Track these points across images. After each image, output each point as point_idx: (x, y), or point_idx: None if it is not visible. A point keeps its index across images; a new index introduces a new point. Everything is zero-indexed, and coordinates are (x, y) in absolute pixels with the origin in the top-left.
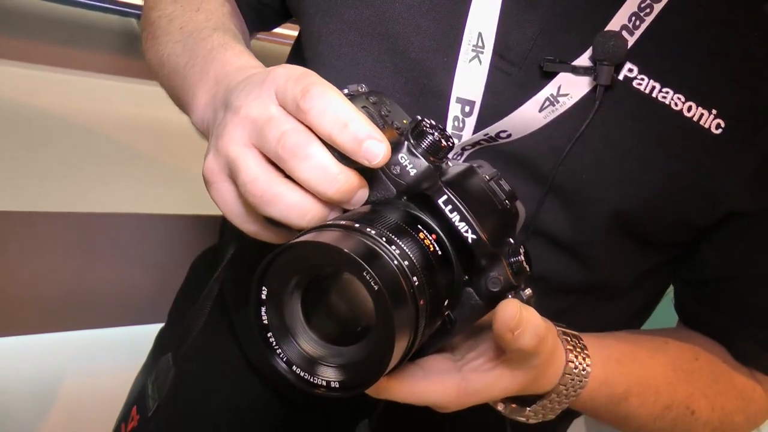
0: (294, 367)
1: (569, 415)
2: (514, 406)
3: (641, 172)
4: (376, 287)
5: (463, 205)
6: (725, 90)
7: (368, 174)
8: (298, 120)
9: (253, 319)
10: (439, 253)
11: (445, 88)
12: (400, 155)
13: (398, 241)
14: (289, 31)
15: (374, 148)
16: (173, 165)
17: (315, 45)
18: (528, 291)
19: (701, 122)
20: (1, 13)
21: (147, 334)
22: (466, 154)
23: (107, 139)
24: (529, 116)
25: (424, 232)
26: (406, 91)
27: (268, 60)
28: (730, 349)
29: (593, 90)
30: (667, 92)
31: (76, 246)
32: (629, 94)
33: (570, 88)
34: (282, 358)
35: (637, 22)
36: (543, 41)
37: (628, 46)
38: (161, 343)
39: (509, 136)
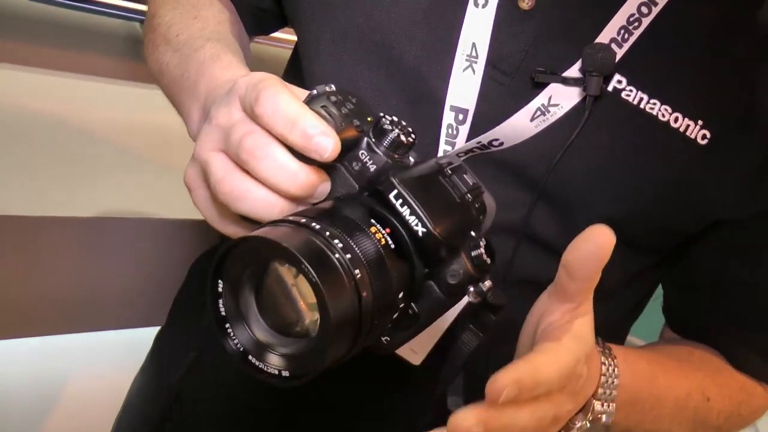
0: (249, 356)
1: None
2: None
3: (630, 180)
4: (313, 279)
5: (413, 200)
6: (711, 101)
7: (331, 171)
8: (258, 123)
9: (211, 311)
10: (392, 246)
11: (440, 96)
12: (360, 152)
13: (344, 235)
14: (288, 36)
15: (323, 142)
16: (174, 169)
17: (311, 52)
18: (488, 283)
19: (687, 133)
20: (7, 18)
21: (145, 337)
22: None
23: (109, 142)
24: (521, 125)
25: (377, 226)
26: (401, 98)
27: (267, 63)
28: (724, 355)
29: (583, 100)
30: (654, 103)
31: (75, 249)
32: (618, 104)
33: (560, 98)
34: (238, 346)
35: (626, 35)
36: (535, 52)
37: (617, 59)
38: (159, 346)
39: (501, 144)
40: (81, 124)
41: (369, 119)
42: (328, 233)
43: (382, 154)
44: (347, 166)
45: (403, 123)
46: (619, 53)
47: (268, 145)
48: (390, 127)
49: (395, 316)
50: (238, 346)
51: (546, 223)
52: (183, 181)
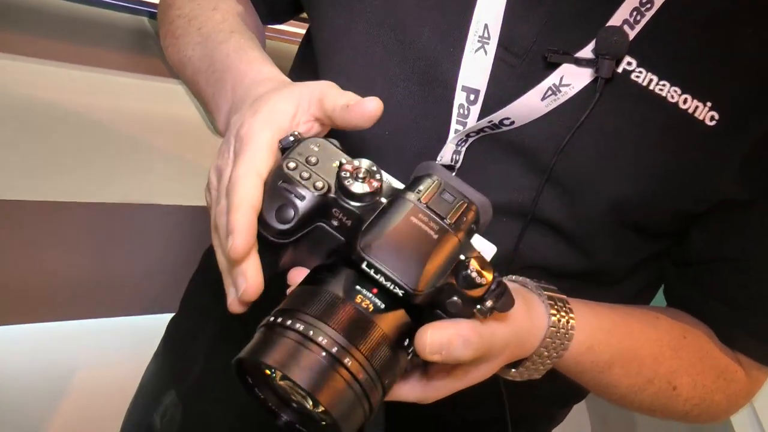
0: (296, 425)
1: (569, 400)
2: None
3: (637, 161)
4: (308, 392)
5: (384, 266)
6: (720, 83)
7: (315, 230)
8: None
9: (251, 398)
10: (382, 306)
11: (452, 77)
12: (333, 210)
13: (329, 326)
14: (296, 29)
15: (228, 242)
16: (183, 158)
17: (326, 35)
18: (489, 303)
19: (696, 114)
20: (18, 11)
21: (159, 323)
22: (470, 141)
23: (120, 133)
24: (532, 104)
25: (362, 293)
26: (413, 79)
27: (276, 58)
28: (716, 332)
29: (594, 81)
30: (663, 85)
31: (88, 235)
32: (628, 86)
33: (572, 78)
34: (283, 419)
35: (638, 17)
36: (546, 35)
37: (629, 41)
38: (173, 333)
39: (512, 123)
40: (92, 115)
41: (335, 164)
42: (312, 332)
43: (352, 208)
44: (328, 223)
45: (366, 164)
46: (631, 35)
47: (221, 216)
48: (350, 182)
49: (409, 357)
50: (283, 419)
51: (553, 205)
52: (199, 167)
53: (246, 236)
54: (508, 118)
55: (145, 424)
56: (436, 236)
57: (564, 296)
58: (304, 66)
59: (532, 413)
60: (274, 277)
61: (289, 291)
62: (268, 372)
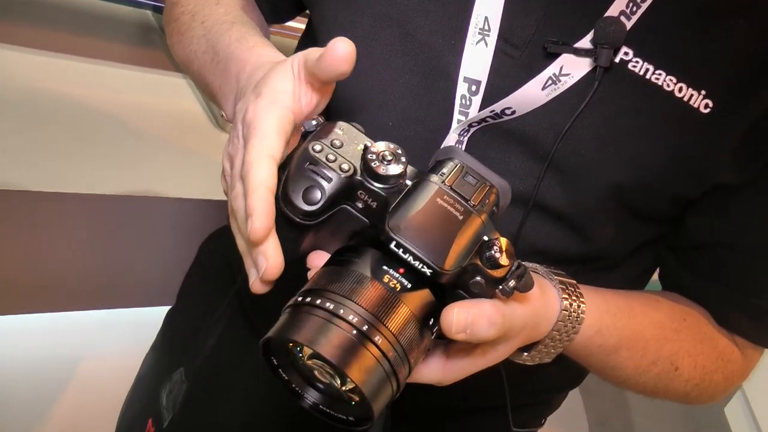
0: (319, 405)
1: (565, 386)
2: None
3: (635, 148)
4: (336, 369)
5: (412, 245)
6: (714, 72)
7: (339, 212)
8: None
9: (276, 378)
10: (409, 286)
11: (453, 68)
12: (357, 192)
13: (358, 304)
14: (296, 24)
15: (248, 224)
16: (185, 151)
17: (329, 30)
18: (512, 283)
19: (691, 102)
20: (23, 3)
21: (157, 316)
22: (472, 130)
23: (122, 125)
24: (533, 94)
25: (390, 273)
26: (416, 71)
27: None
28: (712, 314)
29: (593, 71)
30: (659, 74)
31: (88, 227)
32: (625, 75)
33: (571, 68)
34: (308, 401)
35: (634, 8)
36: (545, 26)
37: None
38: (170, 325)
39: (513, 112)
40: (94, 107)
41: (359, 147)
42: (342, 311)
43: (378, 190)
44: (352, 205)
45: (391, 147)
46: (628, 25)
47: (238, 201)
48: (376, 164)
49: (433, 336)
50: (309, 399)
51: (554, 192)
52: (199, 160)
53: (265, 218)
54: (509, 108)
55: (155, 402)
56: (461, 217)
57: (574, 281)
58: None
59: (530, 400)
60: (294, 261)
61: (310, 274)
62: (294, 352)
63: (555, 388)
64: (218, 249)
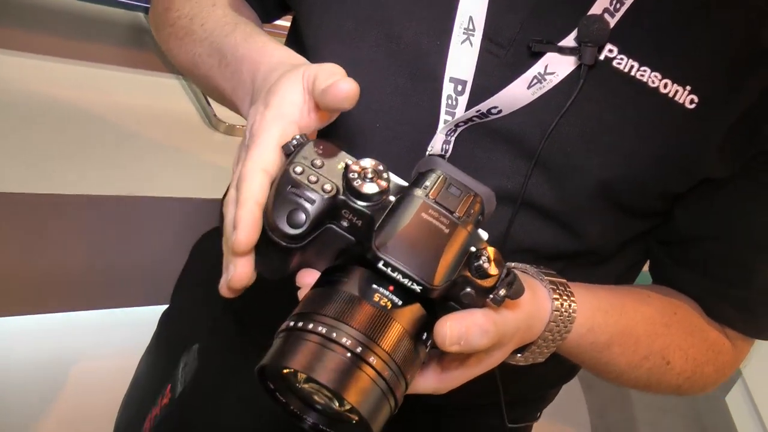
0: (320, 426)
1: (560, 381)
2: None
3: (621, 144)
4: (333, 393)
5: (399, 264)
6: (699, 67)
7: (325, 231)
8: None
9: (273, 402)
10: (400, 303)
11: (439, 69)
12: (342, 211)
13: (350, 326)
14: (282, 22)
15: (233, 235)
16: (178, 151)
17: (315, 32)
18: (502, 292)
19: (676, 98)
20: (14, 6)
21: (152, 315)
22: (459, 130)
23: (115, 127)
24: (518, 93)
25: (380, 291)
26: (402, 73)
27: None
28: (702, 306)
29: (578, 69)
30: (644, 71)
31: (82, 228)
32: (610, 72)
33: (556, 66)
34: (308, 422)
35: (618, 5)
36: (530, 25)
37: (610, 28)
38: (164, 327)
39: (500, 112)
40: (87, 109)
41: (340, 166)
42: (335, 334)
43: (362, 208)
44: (337, 224)
45: (372, 164)
46: (612, 23)
47: (227, 207)
48: (358, 182)
49: (427, 350)
50: (308, 421)
51: (542, 189)
52: (191, 160)
53: (249, 232)
54: (495, 107)
55: (174, 370)
56: (447, 230)
57: (564, 280)
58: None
59: (524, 395)
60: (283, 280)
61: (300, 293)
62: (289, 377)
63: (548, 383)
64: (212, 249)
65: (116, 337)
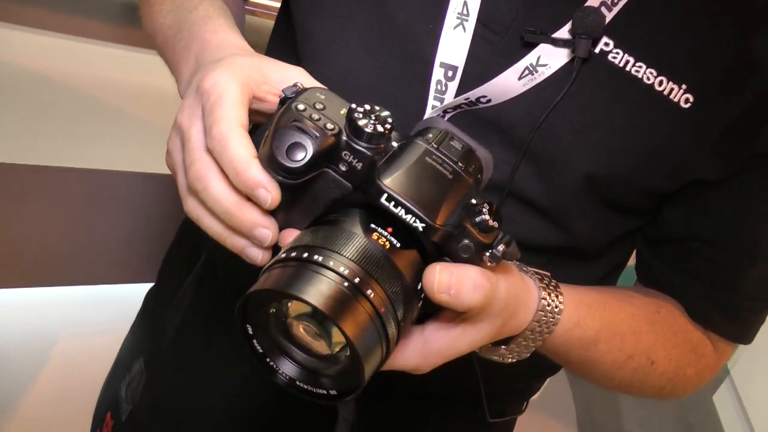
0: (296, 382)
1: (543, 374)
2: (488, 345)
3: (612, 140)
4: (332, 321)
5: (404, 198)
6: (696, 66)
7: (319, 176)
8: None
9: (249, 351)
10: (398, 245)
11: (430, 53)
12: (342, 153)
13: (347, 257)
14: (272, 2)
15: (262, 196)
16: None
17: (305, 11)
18: (501, 247)
19: (671, 96)
20: None
21: (137, 293)
22: (447, 116)
23: (104, 102)
24: (509, 83)
25: (378, 231)
26: (392, 54)
27: (253, 33)
28: (686, 308)
29: (571, 62)
30: (640, 66)
31: (68, 200)
32: (604, 66)
33: (549, 58)
34: (284, 377)
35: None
36: (525, 13)
37: (606, 22)
38: (150, 305)
39: (489, 101)
40: (77, 84)
41: (342, 111)
42: (332, 263)
43: (364, 150)
44: (335, 169)
45: (377, 108)
46: (608, 16)
47: (209, 177)
48: (364, 121)
49: (419, 303)
50: (285, 375)
51: (529, 181)
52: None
53: (276, 184)
54: (484, 96)
55: (114, 394)
56: (450, 176)
57: (549, 274)
58: (283, 43)
59: (505, 388)
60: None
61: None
62: (273, 317)
63: (530, 374)
64: (197, 227)
65: (102, 313)
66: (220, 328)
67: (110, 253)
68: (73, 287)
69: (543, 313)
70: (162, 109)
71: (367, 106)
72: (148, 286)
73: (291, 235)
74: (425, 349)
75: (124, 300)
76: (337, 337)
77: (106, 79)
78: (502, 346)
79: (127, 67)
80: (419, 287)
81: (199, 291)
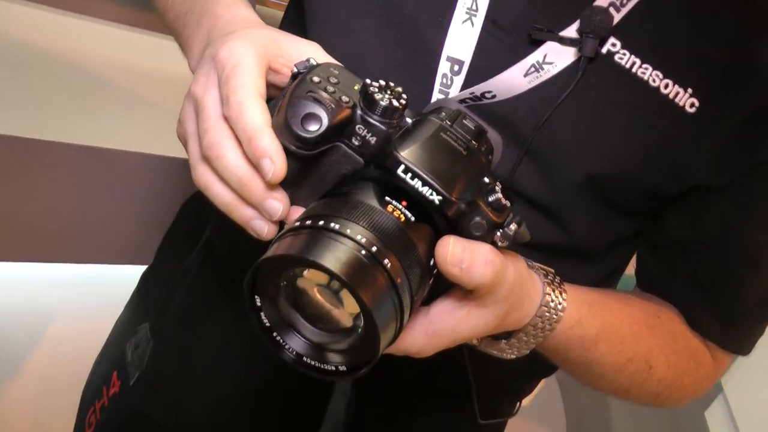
0: (304, 358)
1: (536, 374)
2: (489, 338)
3: (615, 141)
4: (350, 288)
5: (421, 170)
6: (703, 70)
7: (332, 150)
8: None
9: (255, 324)
10: (412, 219)
11: (436, 46)
12: (356, 126)
13: (364, 227)
14: None
15: (266, 166)
16: (172, 111)
17: (317, 0)
18: (513, 226)
19: (677, 100)
20: None
21: (133, 274)
22: None
23: (112, 82)
24: (514, 80)
25: (393, 203)
26: (400, 45)
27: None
28: (684, 315)
29: (577, 61)
30: (646, 68)
31: (69, 177)
32: (610, 67)
33: (555, 57)
34: (291, 352)
35: (625, 0)
36: (534, 10)
37: (614, 22)
38: (146, 284)
39: (494, 96)
40: (87, 63)
41: (356, 87)
42: (349, 231)
43: (378, 123)
44: (348, 143)
45: (391, 84)
46: (617, 17)
47: (222, 146)
48: (379, 95)
49: (431, 281)
50: (292, 351)
51: (531, 178)
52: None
53: (284, 157)
54: (490, 92)
55: (121, 354)
56: (465, 153)
57: (552, 270)
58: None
59: (498, 386)
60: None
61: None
62: (283, 289)
63: (523, 373)
64: (201, 209)
65: (96, 293)
66: (224, 304)
67: (107, 232)
68: (69, 265)
69: (546, 309)
70: (167, 92)
71: (382, 82)
72: (143, 268)
73: (297, 213)
74: (429, 330)
75: (122, 280)
76: (351, 307)
77: (115, 61)
78: (503, 340)
79: (137, 50)
80: (432, 263)
81: (200, 271)
